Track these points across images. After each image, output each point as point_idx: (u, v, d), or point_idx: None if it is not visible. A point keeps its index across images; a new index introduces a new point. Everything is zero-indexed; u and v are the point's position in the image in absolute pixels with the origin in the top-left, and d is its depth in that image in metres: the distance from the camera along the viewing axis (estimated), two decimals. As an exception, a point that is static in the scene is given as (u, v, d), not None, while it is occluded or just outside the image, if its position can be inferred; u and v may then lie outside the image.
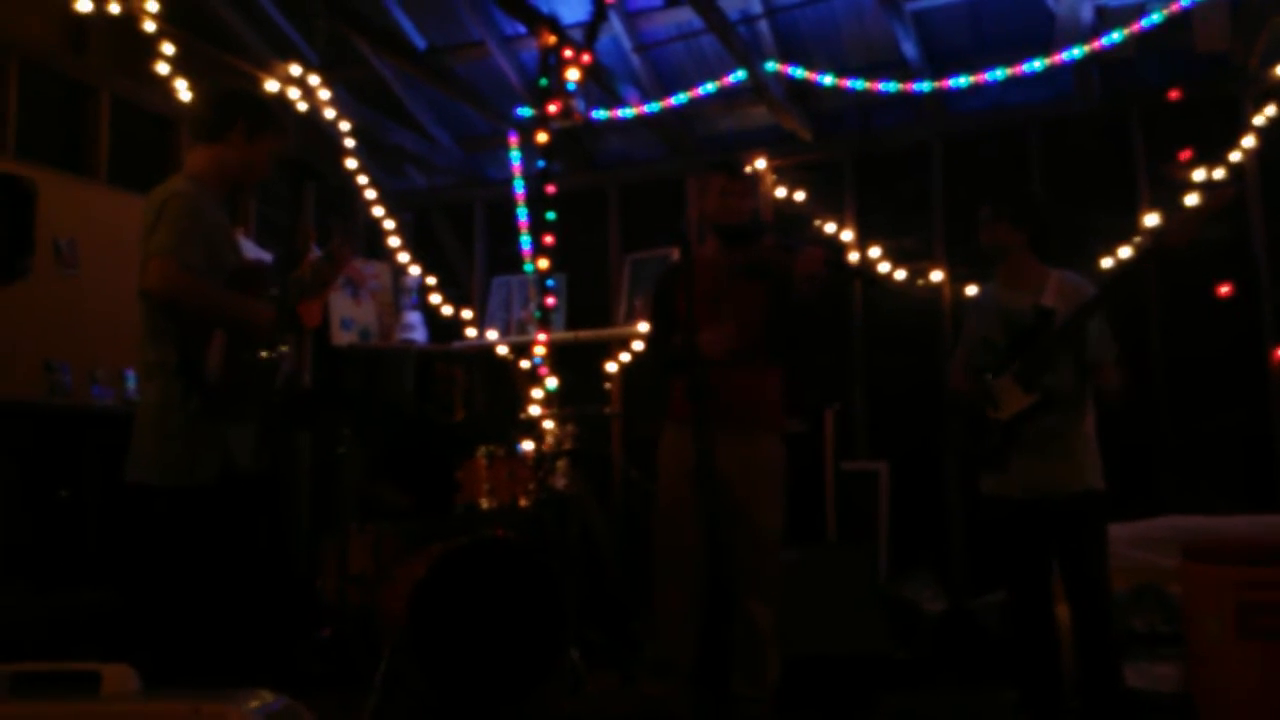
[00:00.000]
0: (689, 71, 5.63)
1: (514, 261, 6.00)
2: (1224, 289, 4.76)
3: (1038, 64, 4.83)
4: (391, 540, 4.05)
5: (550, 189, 5.19)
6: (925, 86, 5.11)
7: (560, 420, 4.49)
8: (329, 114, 5.36)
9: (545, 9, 5.18)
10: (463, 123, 6.33)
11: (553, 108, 5.08)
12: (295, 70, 5.15)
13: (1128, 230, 4.87)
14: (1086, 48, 4.74)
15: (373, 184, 5.83)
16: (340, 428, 4.19)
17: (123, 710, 1.68)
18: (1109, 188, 5.06)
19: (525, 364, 5.38)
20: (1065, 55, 4.78)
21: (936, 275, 5.29)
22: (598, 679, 4.04)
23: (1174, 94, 4.88)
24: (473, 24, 5.62)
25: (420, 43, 5.75)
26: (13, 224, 3.72)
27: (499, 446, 4.20)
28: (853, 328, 5.50)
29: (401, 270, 6.06)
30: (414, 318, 6.00)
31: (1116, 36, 4.63)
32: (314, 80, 5.22)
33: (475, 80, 5.80)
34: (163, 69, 4.67)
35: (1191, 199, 4.54)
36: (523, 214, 5.81)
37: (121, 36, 4.65)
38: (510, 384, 5.74)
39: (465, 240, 6.49)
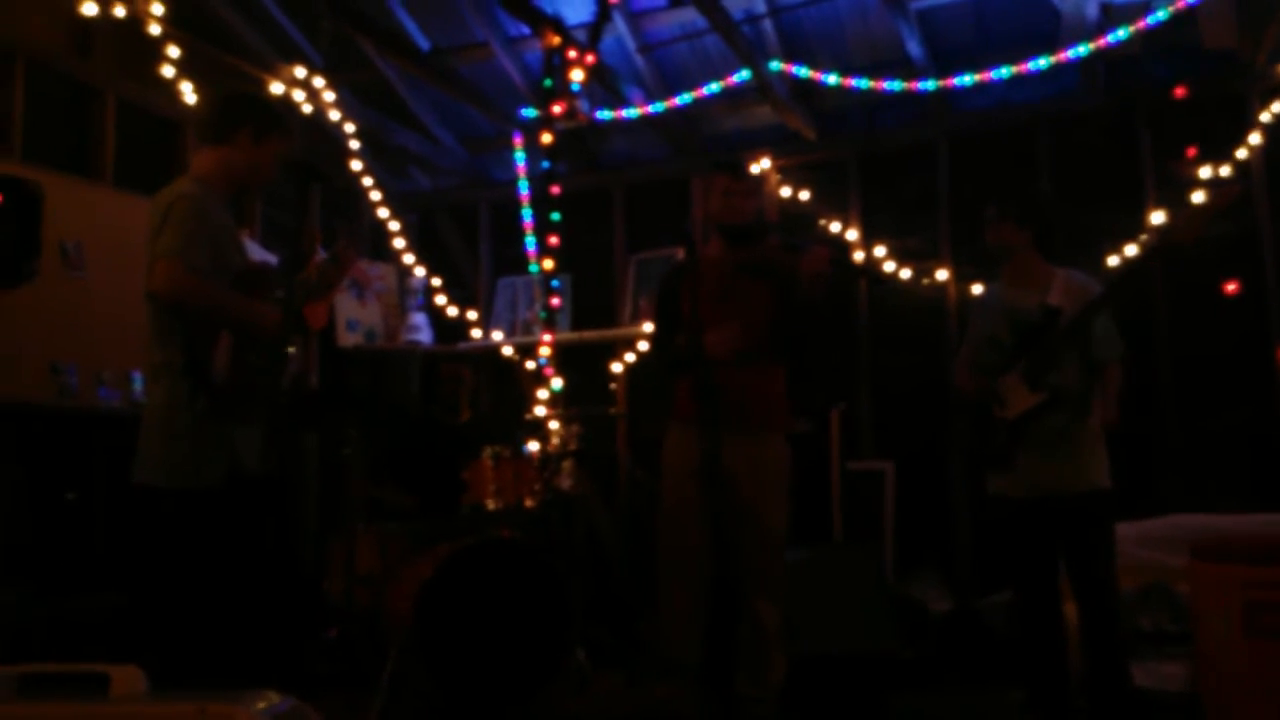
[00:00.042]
0: (693, 71, 5.62)
1: (519, 262, 6.00)
2: (1230, 286, 4.75)
3: (1043, 62, 4.82)
4: (398, 541, 4.05)
5: (555, 190, 5.19)
6: (930, 85, 5.11)
7: (565, 421, 4.49)
8: (334, 116, 5.37)
9: (549, 10, 5.18)
10: (467, 124, 6.33)
11: (557, 108, 5.09)
12: (300, 72, 5.17)
13: (1134, 228, 4.86)
14: (1092, 45, 4.73)
15: (377, 185, 5.84)
16: (346, 429, 4.20)
17: (131, 711, 1.69)
18: (1115, 185, 5.05)
19: (530, 365, 5.38)
20: (1070, 53, 4.78)
21: (942, 274, 5.28)
22: (604, 679, 4.04)
23: (1180, 91, 4.87)
24: (477, 25, 5.63)
25: (424, 44, 5.76)
26: (19, 227, 3.74)
27: (505, 447, 4.20)
28: (858, 327, 5.49)
29: (407, 271, 6.06)
30: (419, 319, 6.01)
31: (1122, 34, 4.62)
32: (318, 82, 5.23)
33: (479, 81, 5.81)
34: (168, 72, 4.69)
35: (1198, 196, 4.53)
36: (527, 215, 5.82)
37: (127, 39, 4.66)
38: (516, 385, 5.74)
39: (470, 241, 6.49)
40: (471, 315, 6.13)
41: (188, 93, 4.72)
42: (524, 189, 5.84)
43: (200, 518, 2.65)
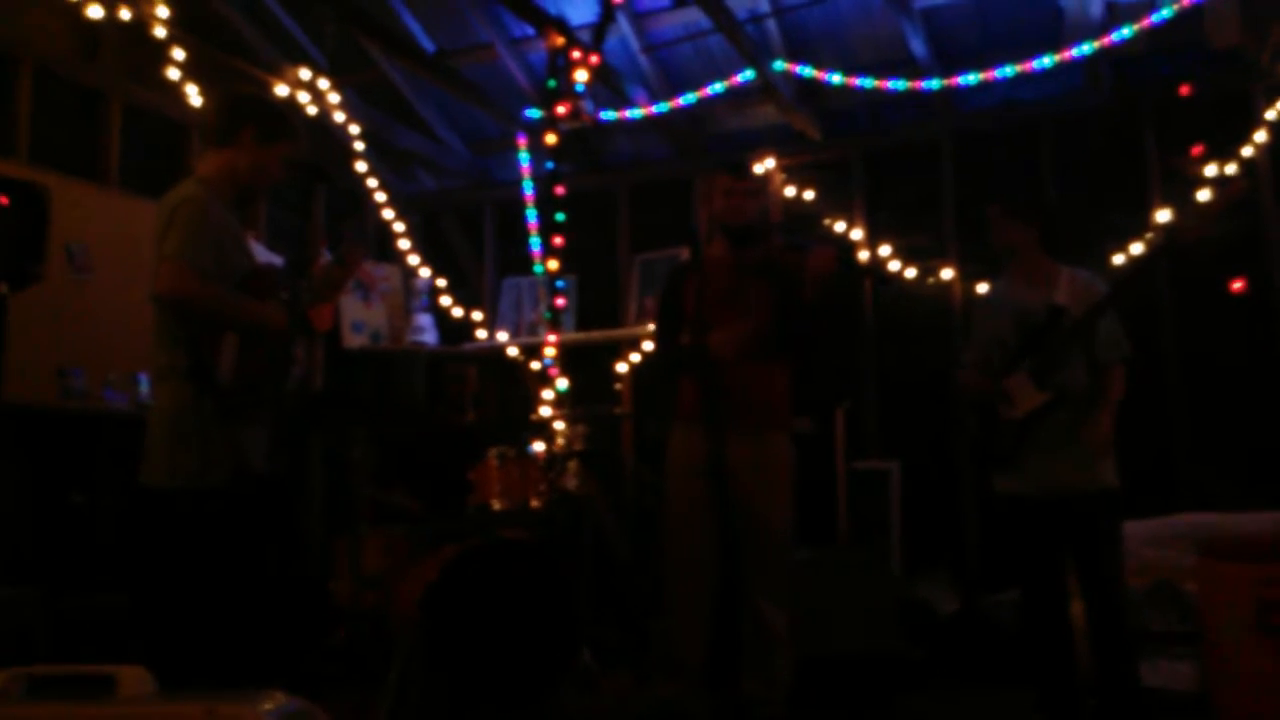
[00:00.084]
0: (697, 72, 5.62)
1: (524, 263, 6.00)
2: (1237, 284, 4.74)
3: (1047, 60, 4.81)
4: (404, 542, 4.06)
5: (559, 190, 5.19)
6: (934, 84, 5.10)
7: (571, 421, 4.49)
8: (338, 118, 5.37)
9: (553, 10, 5.19)
10: (472, 125, 6.34)
11: (561, 109, 5.09)
12: (305, 74, 5.17)
13: (1139, 226, 4.85)
14: (1096, 43, 4.72)
15: (382, 187, 5.84)
16: (352, 430, 4.19)
17: (139, 712, 1.69)
18: (1120, 184, 5.04)
19: (536, 365, 5.38)
20: (1075, 51, 4.77)
21: (947, 273, 5.27)
22: (610, 679, 4.03)
23: (1185, 89, 4.86)
24: (481, 26, 5.63)
25: (429, 45, 5.76)
26: (26, 230, 3.75)
27: (510, 448, 4.20)
28: (863, 327, 5.48)
29: (412, 273, 6.07)
30: (425, 320, 6.02)
31: (1126, 32, 4.62)
32: (323, 84, 5.24)
33: (484, 82, 5.81)
34: (174, 75, 4.69)
35: (1203, 195, 4.52)
36: (532, 215, 5.82)
37: (133, 43, 4.67)
38: (521, 385, 5.74)
39: (475, 242, 6.50)
40: (476, 316, 6.14)
41: (193, 95, 4.73)
42: (528, 189, 5.84)
43: (207, 519, 2.65)
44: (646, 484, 5.25)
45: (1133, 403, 3.18)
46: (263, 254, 4.86)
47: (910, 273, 5.28)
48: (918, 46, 5.16)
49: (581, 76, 5.04)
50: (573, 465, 4.34)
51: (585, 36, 5.14)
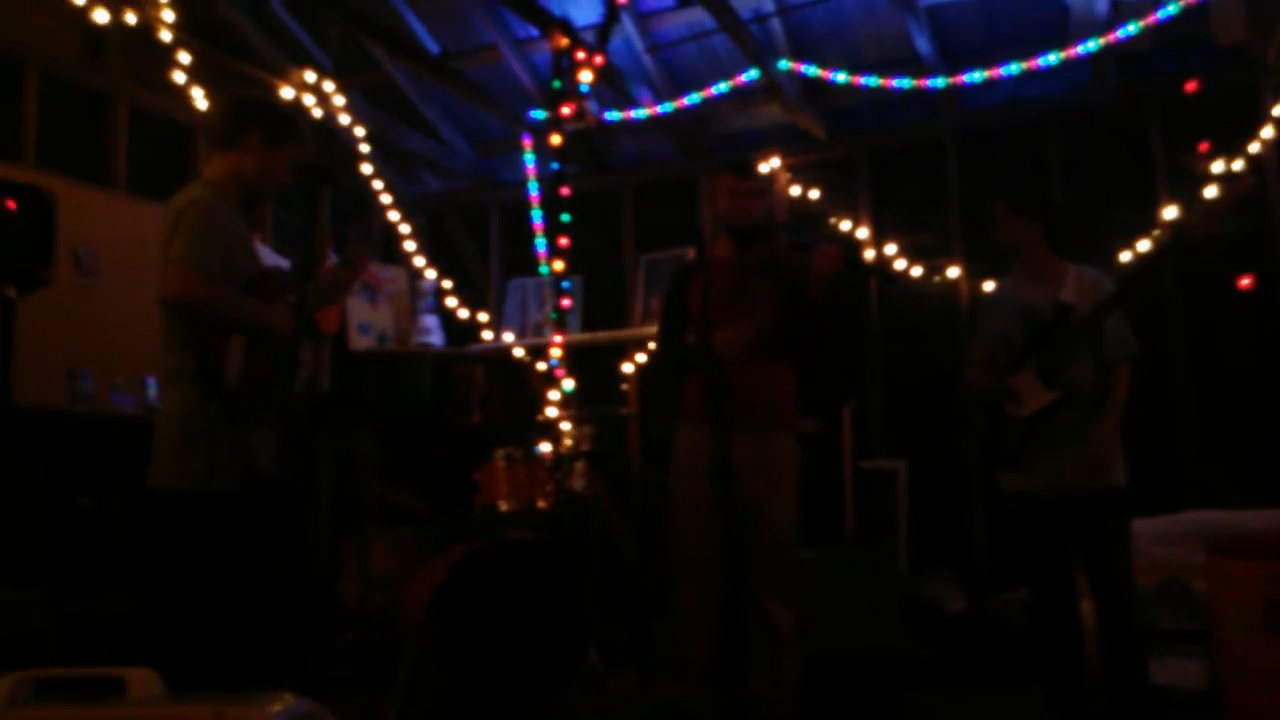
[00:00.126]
0: (701, 71, 5.62)
1: (529, 264, 6.01)
2: (1244, 281, 4.72)
3: (1052, 57, 4.80)
4: (412, 543, 4.06)
5: (564, 191, 5.19)
6: (939, 82, 5.09)
7: (577, 421, 4.49)
8: (343, 120, 5.38)
9: (557, 11, 5.19)
10: (476, 126, 6.35)
11: (566, 110, 5.09)
12: (310, 77, 5.18)
13: (1146, 224, 4.84)
14: (1102, 40, 4.71)
15: (388, 189, 5.85)
16: (359, 432, 4.21)
17: (148, 714, 1.69)
18: (1127, 181, 5.03)
19: (542, 366, 5.38)
20: (1080, 48, 4.76)
21: (953, 272, 5.26)
22: (617, 679, 4.04)
23: (1191, 86, 4.84)
24: (485, 27, 5.64)
25: (433, 47, 5.77)
26: (33, 234, 3.77)
27: (517, 448, 4.20)
28: (869, 326, 5.48)
29: (418, 274, 6.08)
30: (431, 321, 6.02)
31: (1132, 29, 4.61)
32: (328, 86, 5.25)
33: (488, 83, 5.82)
34: (179, 78, 4.71)
35: (1210, 191, 4.50)
36: (537, 216, 5.82)
37: (138, 46, 4.69)
38: (527, 386, 5.75)
39: (481, 243, 6.51)
40: (482, 317, 6.14)
41: (199, 99, 4.74)
42: (533, 190, 5.85)
43: (215, 521, 2.66)
44: (652, 484, 5.25)
45: (1140, 400, 3.18)
46: (269, 257, 4.86)
47: (916, 271, 5.27)
48: (922, 45, 5.16)
49: (586, 77, 5.04)
50: (579, 466, 4.33)
51: (589, 37, 5.14)
